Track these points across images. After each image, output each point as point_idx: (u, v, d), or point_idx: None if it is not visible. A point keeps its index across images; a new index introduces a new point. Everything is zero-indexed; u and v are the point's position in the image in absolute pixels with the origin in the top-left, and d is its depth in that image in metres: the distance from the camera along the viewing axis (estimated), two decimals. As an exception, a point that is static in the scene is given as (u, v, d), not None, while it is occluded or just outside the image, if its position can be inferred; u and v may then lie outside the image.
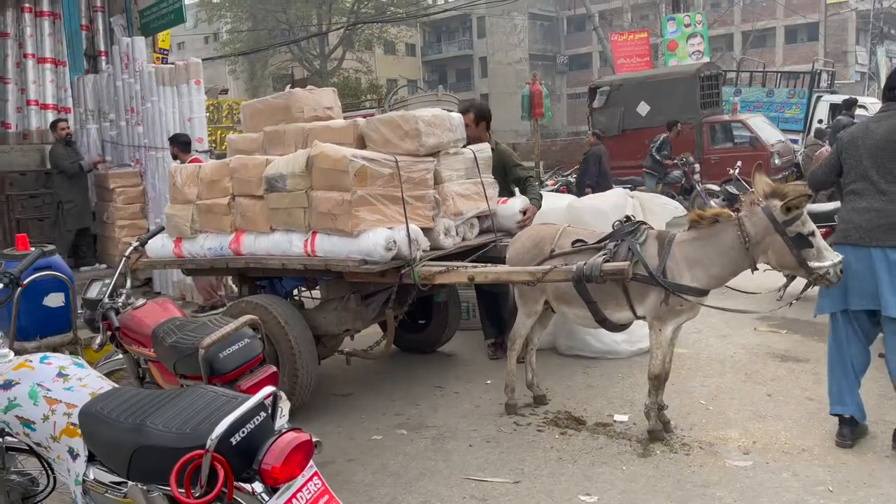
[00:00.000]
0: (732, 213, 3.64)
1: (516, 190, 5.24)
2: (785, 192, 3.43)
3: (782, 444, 3.62)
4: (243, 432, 2.01)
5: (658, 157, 11.25)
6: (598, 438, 3.85)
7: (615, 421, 4.06)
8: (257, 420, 2.05)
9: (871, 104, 15.38)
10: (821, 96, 15.59)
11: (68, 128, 8.29)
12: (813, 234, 3.41)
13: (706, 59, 17.56)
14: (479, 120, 5.15)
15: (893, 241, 3.45)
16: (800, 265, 3.41)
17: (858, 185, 3.60)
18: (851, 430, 3.61)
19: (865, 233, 3.51)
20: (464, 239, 4.79)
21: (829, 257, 3.40)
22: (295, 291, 5.28)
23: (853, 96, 13.63)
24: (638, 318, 3.87)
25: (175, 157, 7.08)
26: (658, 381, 3.77)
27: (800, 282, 3.52)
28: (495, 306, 5.25)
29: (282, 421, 2.94)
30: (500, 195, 5.04)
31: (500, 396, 4.35)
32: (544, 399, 4.39)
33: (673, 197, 10.38)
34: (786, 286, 3.59)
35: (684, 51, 18.37)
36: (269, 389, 2.13)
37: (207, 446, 1.91)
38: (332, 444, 3.97)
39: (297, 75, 19.99)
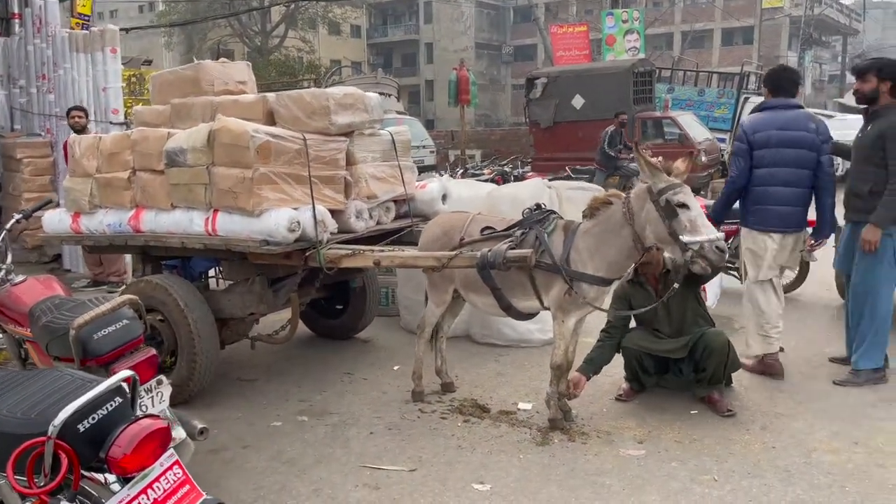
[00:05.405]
0: (623, 194, 3.65)
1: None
2: (668, 168, 3.46)
3: (675, 435, 3.69)
4: (94, 419, 1.90)
5: (612, 153, 11.24)
6: (500, 426, 3.85)
7: (519, 409, 4.07)
8: (111, 406, 1.94)
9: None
10: (748, 97, 16.02)
11: None
12: (683, 205, 3.32)
13: (641, 56, 17.88)
14: None
15: None
16: (671, 237, 3.34)
17: None
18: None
19: None
20: (378, 223, 4.70)
21: (703, 232, 3.28)
22: (212, 273, 5.11)
23: None
24: (545, 308, 3.87)
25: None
26: (560, 371, 3.78)
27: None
28: None
29: (161, 406, 2.83)
30: None
31: (409, 383, 4.30)
32: (452, 386, 4.36)
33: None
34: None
35: (622, 46, 18.67)
36: (125, 373, 2.01)
37: (49, 433, 1.80)
38: (229, 430, 3.85)
39: (235, 51, 19.33)
